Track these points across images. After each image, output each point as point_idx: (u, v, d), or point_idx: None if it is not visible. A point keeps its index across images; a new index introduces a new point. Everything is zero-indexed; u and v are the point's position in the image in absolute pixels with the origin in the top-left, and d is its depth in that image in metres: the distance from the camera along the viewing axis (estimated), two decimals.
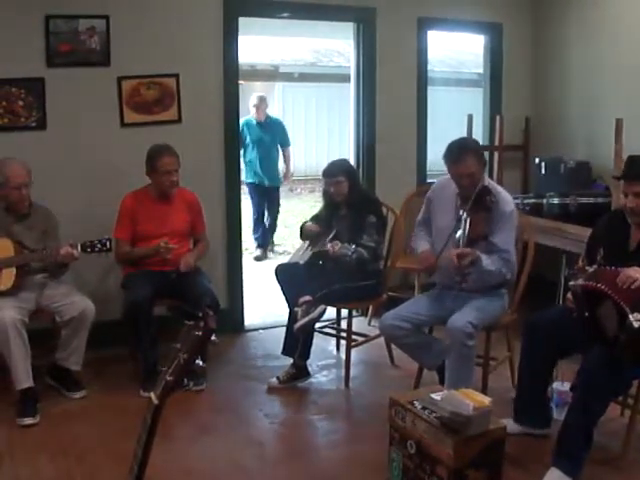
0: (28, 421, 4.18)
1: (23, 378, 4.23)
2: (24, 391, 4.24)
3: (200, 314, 2.01)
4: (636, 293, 3.30)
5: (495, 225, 4.11)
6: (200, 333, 2.00)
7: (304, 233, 5.07)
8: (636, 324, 3.18)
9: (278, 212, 9.18)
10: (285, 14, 6.06)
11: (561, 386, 4.26)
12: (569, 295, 3.66)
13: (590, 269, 3.56)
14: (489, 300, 4.25)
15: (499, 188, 4.35)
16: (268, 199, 8.91)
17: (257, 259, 8.79)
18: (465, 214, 4.07)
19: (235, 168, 5.81)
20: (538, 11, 6.68)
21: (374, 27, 6.09)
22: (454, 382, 3.98)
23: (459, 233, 4.06)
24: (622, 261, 3.49)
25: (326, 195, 5.05)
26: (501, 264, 4.15)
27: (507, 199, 4.25)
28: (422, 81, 6.40)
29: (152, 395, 2.05)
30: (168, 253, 4.74)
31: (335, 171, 4.93)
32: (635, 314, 3.20)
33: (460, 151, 4.16)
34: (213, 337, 2.04)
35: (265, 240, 9.02)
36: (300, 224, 5.19)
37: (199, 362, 1.92)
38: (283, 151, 8.78)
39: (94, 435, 4.12)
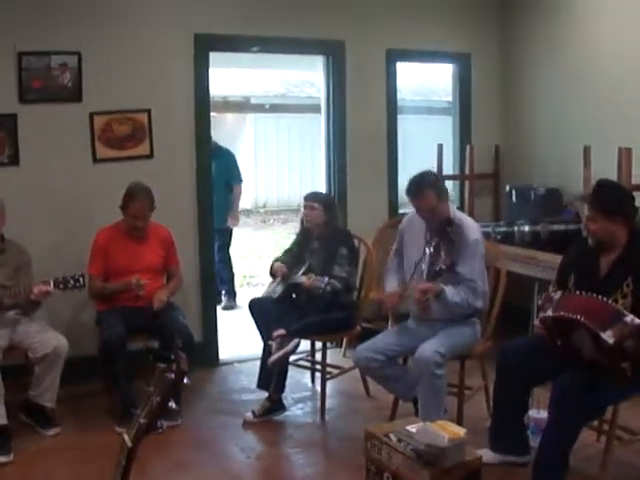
0: (2, 459, 4.14)
1: None
2: None
3: (172, 356, 2.02)
4: (600, 311, 3.35)
5: (459, 255, 4.12)
6: (172, 376, 2.01)
7: (272, 272, 5.08)
8: (610, 340, 3.23)
9: (228, 262, 7.71)
10: (255, 48, 6.10)
11: (537, 414, 4.27)
12: (537, 323, 3.67)
13: (555, 296, 3.58)
14: (459, 329, 4.26)
15: (464, 217, 4.42)
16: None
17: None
18: (428, 247, 4.13)
19: (207, 201, 5.81)
20: (505, 41, 6.78)
21: (343, 59, 6.15)
22: (426, 412, 4.00)
23: (423, 266, 4.11)
24: (593, 287, 3.52)
25: (302, 221, 5.09)
26: (467, 294, 4.16)
27: (472, 228, 4.29)
28: (392, 112, 6.45)
29: (126, 437, 2.05)
30: (140, 289, 4.74)
31: (312, 196, 5.02)
32: (607, 332, 3.24)
33: (418, 187, 4.27)
34: (185, 380, 2.03)
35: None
36: (273, 258, 5.21)
37: (172, 404, 1.91)
38: (232, 188, 7.55)
39: (69, 473, 4.09)
